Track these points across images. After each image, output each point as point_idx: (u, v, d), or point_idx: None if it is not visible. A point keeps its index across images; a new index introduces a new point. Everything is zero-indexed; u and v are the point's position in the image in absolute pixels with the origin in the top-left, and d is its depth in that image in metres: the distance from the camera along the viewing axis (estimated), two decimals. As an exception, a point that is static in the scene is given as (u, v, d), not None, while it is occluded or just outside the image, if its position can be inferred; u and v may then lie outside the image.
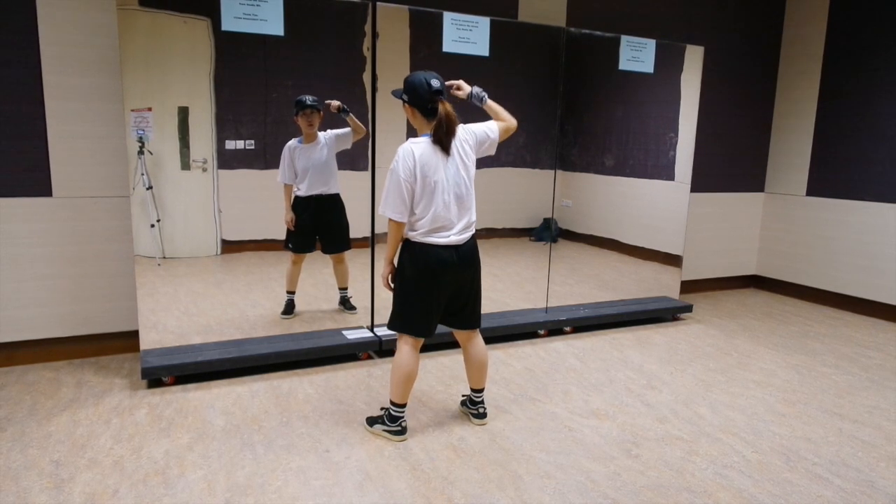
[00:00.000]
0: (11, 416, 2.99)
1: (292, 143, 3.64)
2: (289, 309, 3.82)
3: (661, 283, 5.06)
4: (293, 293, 3.82)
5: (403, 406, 2.85)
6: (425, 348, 3.92)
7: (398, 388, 2.81)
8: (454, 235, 2.71)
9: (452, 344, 4.03)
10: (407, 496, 2.43)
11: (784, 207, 5.85)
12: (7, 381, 3.40)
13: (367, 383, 3.48)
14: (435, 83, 2.63)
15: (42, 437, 2.80)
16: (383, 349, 3.84)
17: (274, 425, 2.96)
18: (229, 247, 3.64)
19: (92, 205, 3.64)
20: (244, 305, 3.72)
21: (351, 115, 3.65)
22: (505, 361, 3.88)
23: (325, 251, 3.87)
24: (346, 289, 3.97)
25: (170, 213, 3.47)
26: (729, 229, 5.88)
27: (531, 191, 4.44)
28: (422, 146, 2.63)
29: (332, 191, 3.79)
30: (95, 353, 3.78)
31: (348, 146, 3.75)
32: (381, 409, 3.00)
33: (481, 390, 3.05)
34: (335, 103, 3.62)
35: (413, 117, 2.73)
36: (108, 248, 3.70)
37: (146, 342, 3.45)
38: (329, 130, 3.71)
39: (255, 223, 3.69)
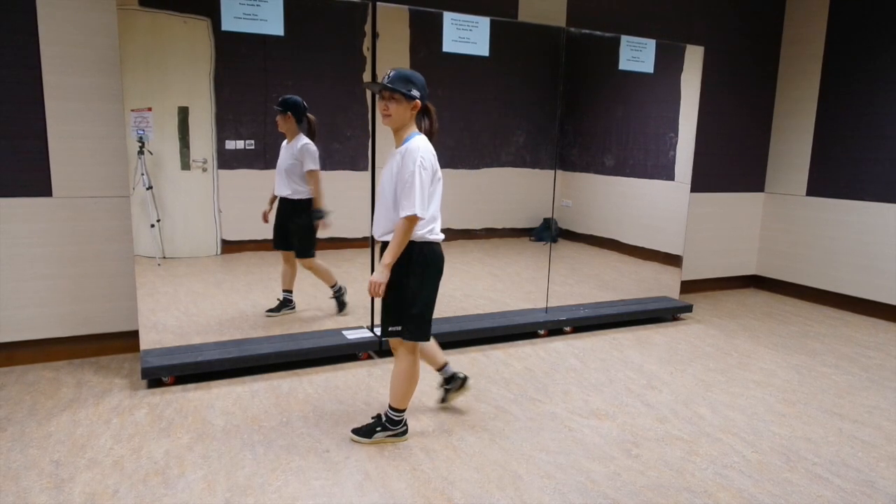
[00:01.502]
0: (11, 416, 2.99)
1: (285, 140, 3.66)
2: (277, 307, 3.80)
3: (661, 283, 5.06)
4: (285, 291, 3.81)
5: (405, 410, 2.85)
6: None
7: (409, 396, 2.80)
8: (441, 231, 2.69)
9: (452, 344, 4.04)
10: (407, 496, 2.43)
11: (784, 207, 5.85)
12: (7, 381, 3.40)
13: (367, 383, 3.48)
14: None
15: (42, 437, 2.80)
16: (383, 349, 3.84)
17: (274, 425, 2.96)
18: (229, 247, 3.64)
19: (92, 205, 3.64)
20: (244, 305, 3.72)
21: (323, 215, 3.73)
22: (505, 361, 3.88)
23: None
24: (289, 291, 3.85)
25: (170, 213, 3.47)
26: (729, 229, 5.88)
27: (531, 191, 4.44)
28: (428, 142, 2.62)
29: (294, 196, 3.68)
30: (95, 353, 3.78)
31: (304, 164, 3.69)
32: (372, 418, 2.89)
33: (445, 364, 3.07)
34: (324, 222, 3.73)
35: (411, 116, 2.60)
36: (108, 248, 3.70)
37: (146, 342, 3.45)
38: (309, 143, 3.64)
39: (255, 223, 3.69)
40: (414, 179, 2.49)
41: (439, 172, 2.63)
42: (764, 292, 5.99)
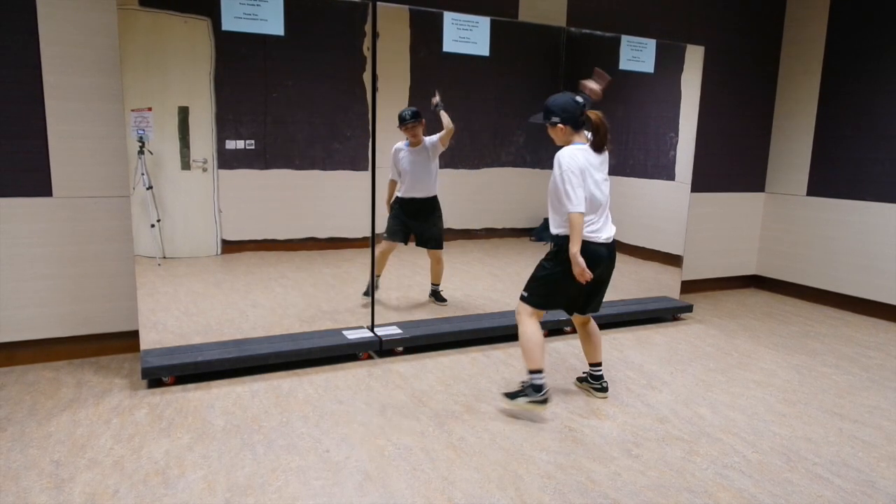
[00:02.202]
0: (11, 416, 2.99)
1: (399, 145, 3.94)
2: (368, 290, 3.99)
3: (661, 283, 5.06)
4: (377, 276, 4.05)
5: (540, 372, 3.06)
6: (425, 348, 3.93)
7: (533, 356, 3.07)
8: (605, 233, 3.08)
9: (452, 344, 4.04)
10: (407, 496, 2.43)
11: (784, 207, 5.85)
12: (7, 381, 3.40)
13: (367, 383, 3.48)
14: (580, 99, 3.03)
15: (42, 437, 2.79)
16: (383, 349, 3.83)
17: (274, 425, 2.96)
18: (229, 247, 3.64)
19: (92, 205, 3.64)
20: (244, 305, 3.72)
21: (443, 111, 3.89)
22: (505, 361, 3.88)
23: (420, 245, 4.19)
24: (437, 284, 4.29)
25: (170, 213, 3.47)
26: (729, 229, 5.88)
27: (531, 191, 4.44)
28: (584, 152, 2.99)
29: (431, 193, 4.09)
30: (95, 353, 3.78)
31: (444, 147, 3.99)
32: (521, 383, 3.17)
33: (600, 364, 3.42)
34: (435, 99, 3.88)
35: (563, 135, 3.03)
36: (108, 248, 3.70)
37: (146, 342, 3.45)
38: (429, 137, 3.97)
39: (255, 223, 3.69)
40: (563, 185, 2.93)
41: (595, 176, 3.01)
42: (764, 292, 5.98)
